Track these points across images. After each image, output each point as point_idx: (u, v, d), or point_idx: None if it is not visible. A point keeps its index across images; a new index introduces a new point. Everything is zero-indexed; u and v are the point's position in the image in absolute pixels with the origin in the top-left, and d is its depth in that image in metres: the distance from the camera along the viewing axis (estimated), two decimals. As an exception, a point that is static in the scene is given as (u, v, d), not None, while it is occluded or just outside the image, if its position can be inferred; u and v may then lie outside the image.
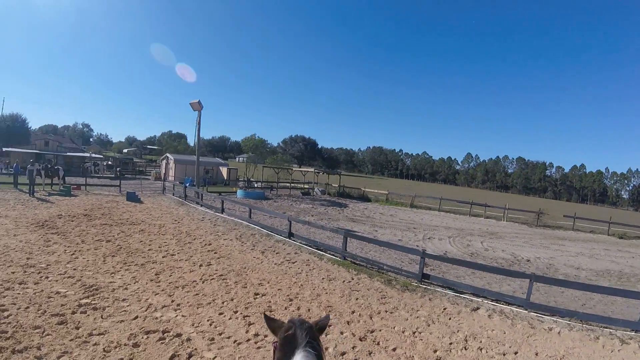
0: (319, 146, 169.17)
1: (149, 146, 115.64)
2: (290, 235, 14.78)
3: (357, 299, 9.05)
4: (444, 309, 8.94)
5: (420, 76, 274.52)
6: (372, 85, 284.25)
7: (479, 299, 9.66)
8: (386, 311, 8.45)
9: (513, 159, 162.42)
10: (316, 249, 13.45)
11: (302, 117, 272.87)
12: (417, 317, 8.31)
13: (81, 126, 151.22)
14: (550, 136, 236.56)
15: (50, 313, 6.94)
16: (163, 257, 11.05)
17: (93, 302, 7.58)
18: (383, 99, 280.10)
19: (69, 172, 37.76)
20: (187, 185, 28.75)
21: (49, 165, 26.57)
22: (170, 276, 9.40)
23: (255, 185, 38.45)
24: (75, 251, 11.10)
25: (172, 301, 7.86)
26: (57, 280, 8.64)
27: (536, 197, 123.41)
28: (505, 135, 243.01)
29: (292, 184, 40.78)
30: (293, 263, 11.64)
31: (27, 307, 7.12)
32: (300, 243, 14.14)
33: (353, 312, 8.20)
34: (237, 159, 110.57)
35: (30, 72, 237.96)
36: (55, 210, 17.55)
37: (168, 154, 44.37)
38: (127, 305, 7.52)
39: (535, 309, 9.17)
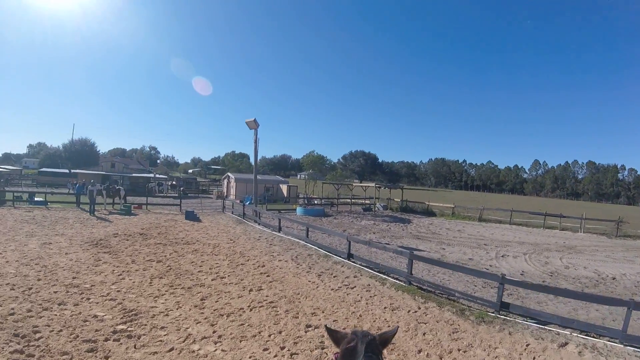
0: (380, 160, 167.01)
1: (213, 166, 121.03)
2: (350, 256, 13.67)
3: (424, 333, 7.71)
4: (527, 345, 7.37)
5: (481, 80, 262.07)
6: (431, 93, 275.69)
7: (566, 331, 8.00)
8: (459, 349, 7.07)
9: (583, 163, 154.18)
10: (378, 272, 12.13)
11: (362, 131, 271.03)
12: (496, 356, 6.89)
13: (148, 149, 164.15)
14: (621, 136, 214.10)
15: (82, 338, 6.59)
16: (212, 279, 10.50)
17: (129, 328, 7.08)
18: (444, 106, 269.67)
19: (134, 192, 40.03)
20: (247, 203, 28.80)
21: (110, 185, 27.84)
22: (216, 302, 8.73)
23: (315, 202, 37.91)
24: (123, 271, 10.96)
25: (214, 332, 7.12)
26: (97, 303, 8.36)
27: (609, 204, 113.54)
28: (574, 138, 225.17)
29: (353, 200, 40.23)
30: (352, 288, 10.45)
31: (60, 330, 6.90)
32: (360, 265, 12.94)
33: (420, 350, 6.92)
34: (298, 176, 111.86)
35: (101, 100, 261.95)
36: (112, 229, 18.03)
37: (229, 173, 45.58)
38: (164, 335, 6.90)
39: (632, 342, 7.50)
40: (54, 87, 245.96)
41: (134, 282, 10.08)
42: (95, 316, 7.62)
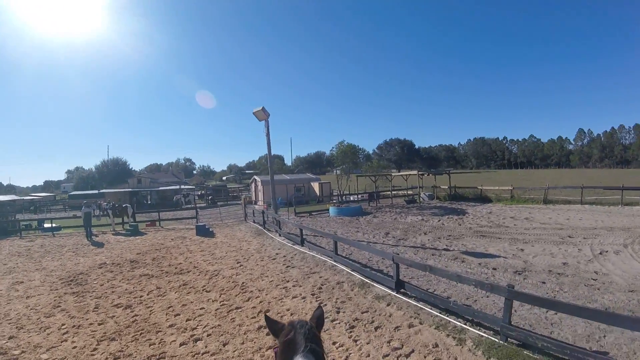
0: (417, 146, 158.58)
1: (247, 171, 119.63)
2: (399, 285, 8.97)
3: None
4: None
5: (516, 52, 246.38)
6: (464, 72, 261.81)
7: None
8: None
9: (630, 127, 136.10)
10: (448, 314, 7.48)
11: (396, 119, 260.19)
12: None
13: (183, 161, 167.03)
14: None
15: None
16: (181, 344, 7.00)
17: None
18: (478, 82, 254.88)
19: (162, 206, 38.09)
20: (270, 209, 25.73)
21: (116, 205, 25.54)
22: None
23: (351, 199, 34.25)
24: (73, 327, 8.14)
25: None
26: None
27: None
28: (619, 99, 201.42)
29: (394, 192, 36.53)
30: (407, 357, 6.05)
31: None
32: (416, 301, 8.24)
33: None
34: (334, 172, 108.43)
35: (133, 121, 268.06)
36: (103, 256, 15.58)
37: (255, 177, 42.58)
38: None
39: None
40: (89, 111, 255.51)
41: (75, 346, 7.04)
42: None
